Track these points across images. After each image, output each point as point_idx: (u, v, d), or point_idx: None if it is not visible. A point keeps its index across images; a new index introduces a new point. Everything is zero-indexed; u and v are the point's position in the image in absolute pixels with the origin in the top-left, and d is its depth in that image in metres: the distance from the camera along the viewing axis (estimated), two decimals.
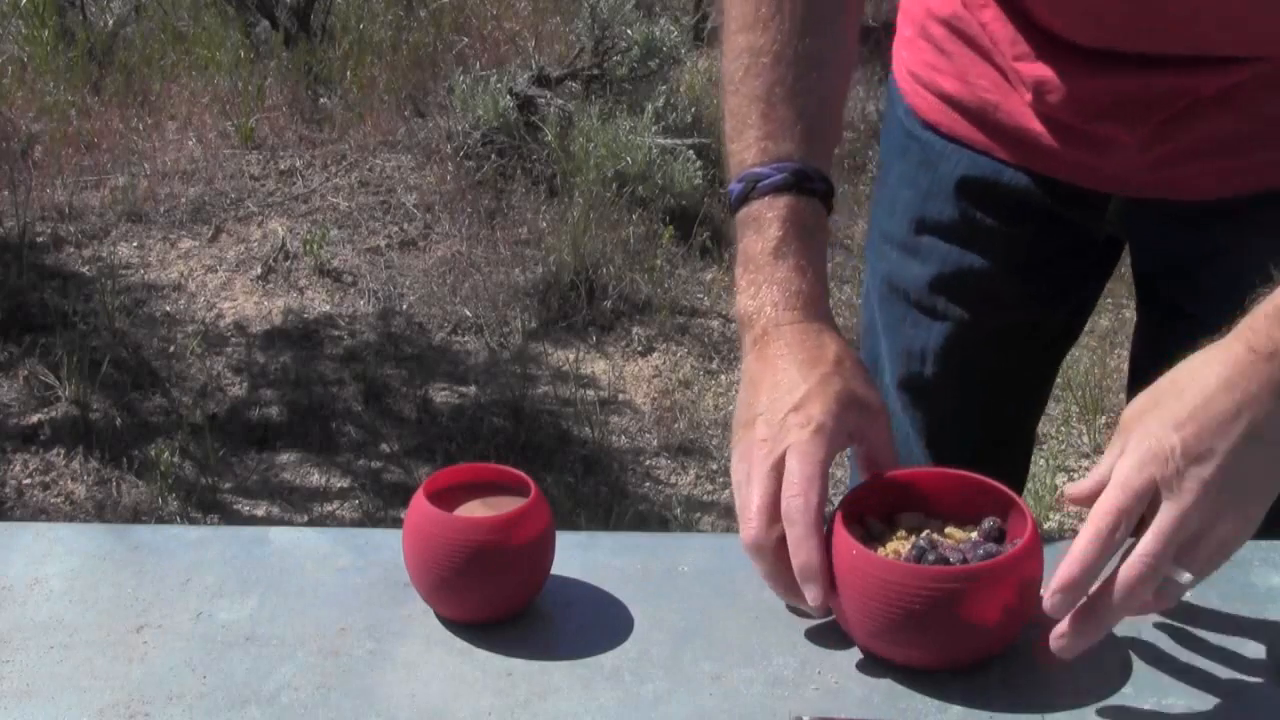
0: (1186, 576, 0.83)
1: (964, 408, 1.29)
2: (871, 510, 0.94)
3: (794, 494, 0.89)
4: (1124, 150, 1.11)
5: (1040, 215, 1.20)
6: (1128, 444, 0.85)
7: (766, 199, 1.00)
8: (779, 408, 0.93)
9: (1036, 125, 1.14)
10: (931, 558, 0.87)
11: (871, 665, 0.90)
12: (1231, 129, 1.08)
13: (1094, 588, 0.84)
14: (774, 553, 0.89)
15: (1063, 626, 0.84)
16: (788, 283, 0.98)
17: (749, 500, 0.90)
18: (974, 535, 0.91)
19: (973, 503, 0.93)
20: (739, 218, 1.02)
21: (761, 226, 1.00)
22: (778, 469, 0.91)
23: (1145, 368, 1.27)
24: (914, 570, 0.86)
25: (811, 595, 0.87)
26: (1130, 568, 0.82)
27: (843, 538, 0.88)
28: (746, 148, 1.02)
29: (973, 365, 1.27)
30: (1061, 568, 0.83)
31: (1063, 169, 1.16)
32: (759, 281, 0.99)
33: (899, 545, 0.91)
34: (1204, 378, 0.84)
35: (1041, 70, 1.10)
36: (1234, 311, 1.13)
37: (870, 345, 1.34)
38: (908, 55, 1.25)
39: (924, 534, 0.91)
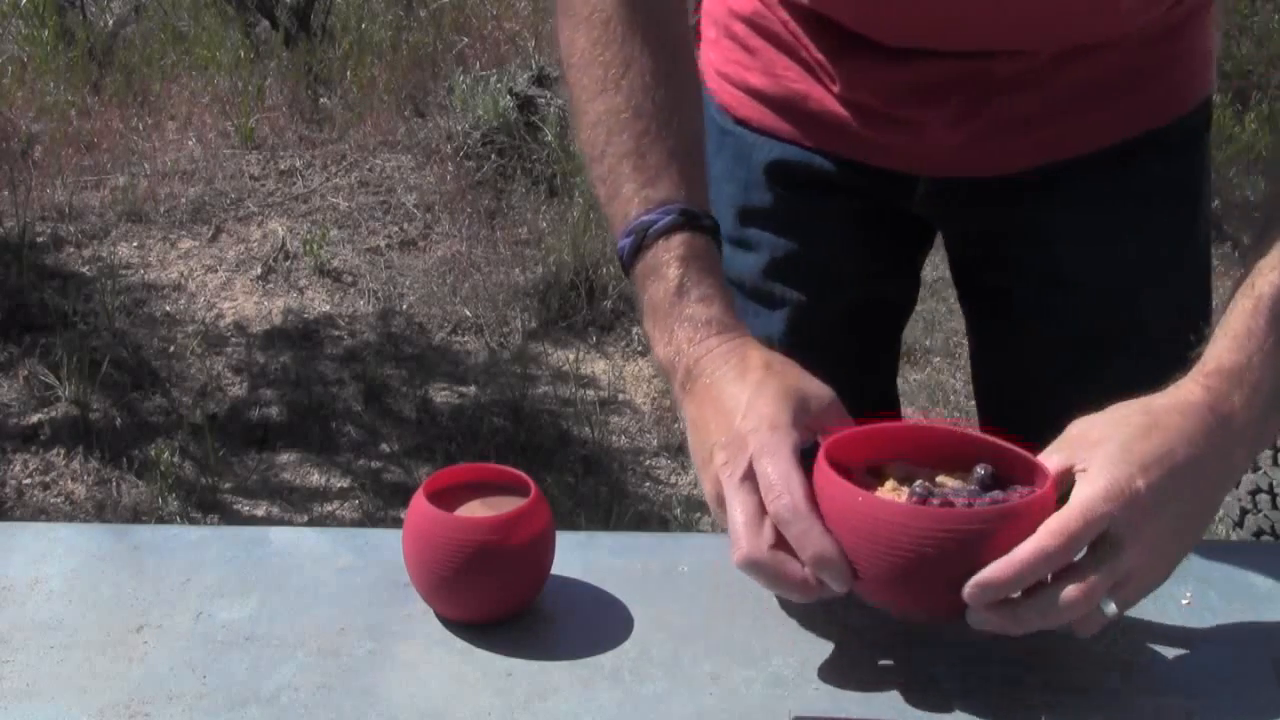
0: (1112, 609, 0.84)
1: None
2: (854, 463, 0.90)
3: (776, 495, 0.86)
4: (930, 131, 1.15)
5: (854, 197, 1.23)
6: (1091, 466, 0.85)
7: (660, 243, 0.99)
8: (728, 427, 0.90)
9: (844, 112, 1.17)
10: (937, 503, 0.84)
11: (871, 665, 0.90)
12: (1029, 105, 1.13)
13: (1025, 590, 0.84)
14: (772, 563, 0.86)
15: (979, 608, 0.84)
16: (695, 317, 0.97)
17: (733, 520, 0.87)
18: (970, 485, 0.88)
19: (960, 454, 0.90)
20: (636, 272, 1.01)
21: (660, 271, 0.99)
22: (749, 480, 0.88)
23: (983, 360, 1.32)
24: (935, 514, 0.82)
25: (838, 585, 0.84)
26: (1070, 595, 0.82)
27: (841, 484, 0.84)
28: (627, 202, 1.01)
29: (819, 347, 1.26)
30: (995, 565, 0.81)
31: (872, 153, 1.19)
32: (669, 326, 0.98)
33: (894, 495, 0.87)
34: (1168, 425, 0.86)
35: (842, 61, 1.15)
36: (1050, 285, 1.20)
37: None
38: (715, 56, 1.27)
39: (918, 482, 0.88)
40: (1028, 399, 1.24)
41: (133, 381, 3.06)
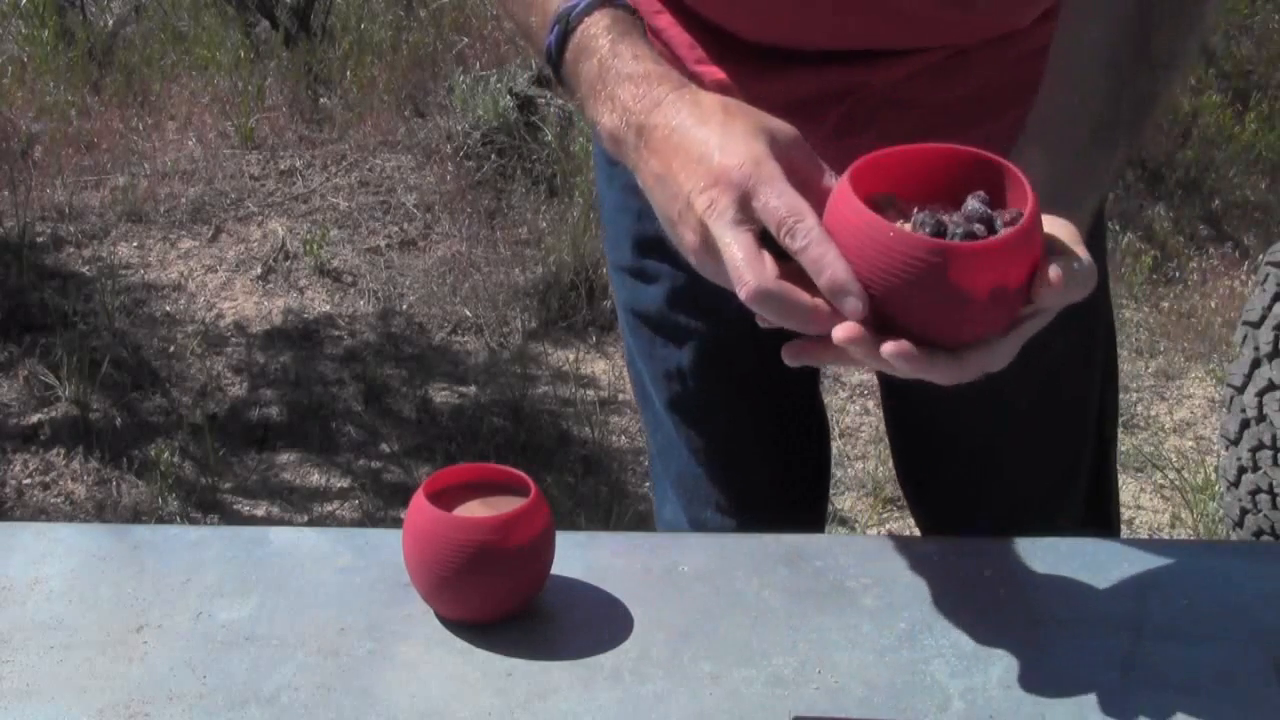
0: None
1: (737, 417, 1.29)
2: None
3: (791, 221, 0.82)
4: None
5: None
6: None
7: (586, 20, 0.95)
8: (705, 169, 0.85)
9: None
10: (960, 232, 0.81)
11: (872, 665, 0.90)
12: (908, 122, 1.09)
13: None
14: (782, 292, 0.82)
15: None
16: (634, 73, 0.92)
17: (732, 259, 0.83)
18: (967, 210, 0.84)
19: (949, 178, 0.87)
20: (567, 61, 0.96)
21: (591, 46, 0.94)
22: (741, 217, 0.84)
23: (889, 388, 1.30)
24: (976, 246, 0.80)
25: (852, 307, 0.81)
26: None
27: (869, 217, 0.81)
28: (544, 5, 0.98)
29: (732, 374, 1.26)
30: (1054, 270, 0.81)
31: None
32: (611, 93, 0.92)
33: (902, 224, 0.83)
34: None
35: (720, 73, 1.11)
36: None
37: (636, 375, 1.34)
38: None
39: (924, 212, 0.84)
40: (940, 441, 1.24)
41: (133, 381, 3.06)
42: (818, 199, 0.85)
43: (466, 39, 4.65)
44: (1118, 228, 3.81)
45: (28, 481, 2.77)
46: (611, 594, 0.97)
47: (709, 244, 0.85)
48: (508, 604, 0.94)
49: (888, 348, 0.80)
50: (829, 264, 0.81)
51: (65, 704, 0.87)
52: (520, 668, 0.90)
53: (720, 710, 0.86)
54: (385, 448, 2.93)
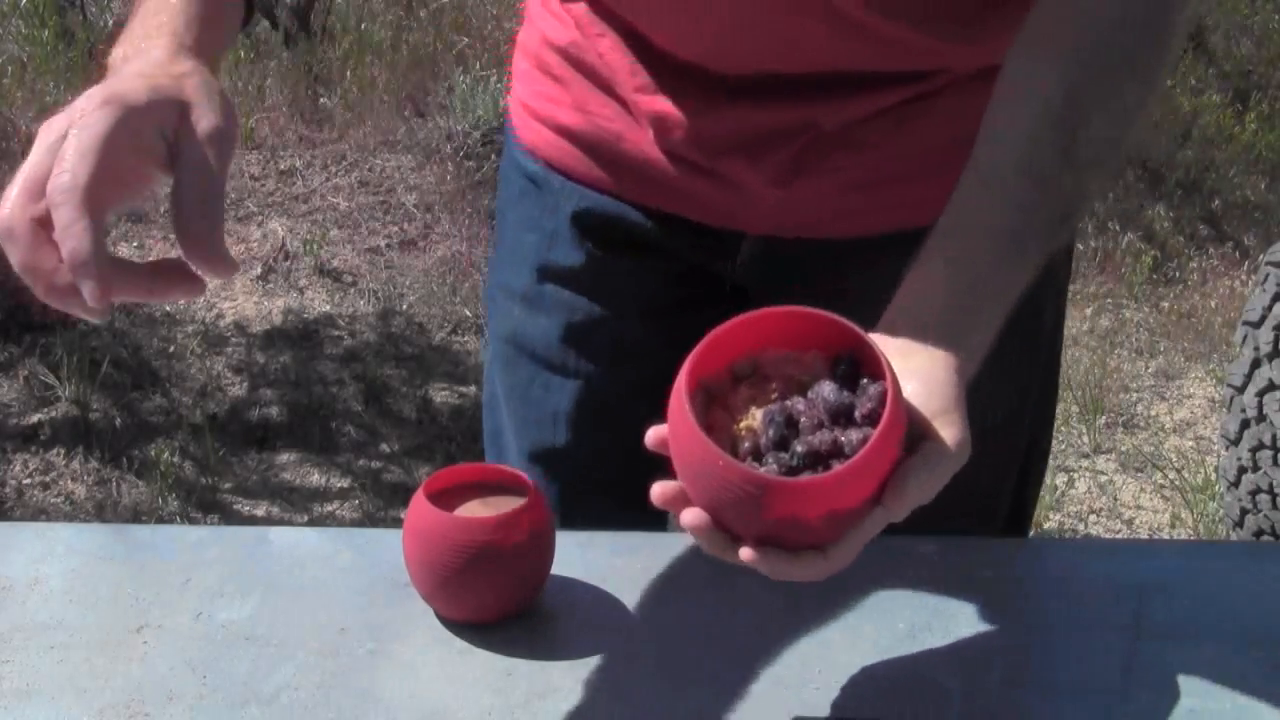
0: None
1: (604, 476, 1.17)
2: (707, 369, 0.82)
3: (61, 170, 0.73)
4: (751, 188, 1.06)
5: (669, 259, 1.13)
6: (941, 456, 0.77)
7: None
8: (83, 99, 0.77)
9: (662, 160, 1.08)
10: (801, 451, 0.75)
11: (872, 665, 0.90)
12: (862, 166, 1.05)
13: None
14: (28, 238, 0.75)
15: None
16: (159, 20, 0.83)
17: (12, 183, 0.75)
18: (830, 383, 0.78)
19: (812, 336, 0.81)
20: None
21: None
22: (54, 149, 0.75)
23: None
24: (819, 481, 0.74)
25: (89, 291, 0.75)
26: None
27: (705, 444, 0.76)
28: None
29: (610, 426, 1.15)
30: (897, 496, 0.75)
31: (691, 207, 1.10)
32: (130, 35, 0.84)
33: (750, 421, 0.79)
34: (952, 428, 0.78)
35: (662, 104, 1.06)
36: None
37: (492, 420, 1.25)
38: (522, 89, 1.17)
39: (773, 398, 0.79)
40: None
41: (133, 381, 3.06)
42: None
43: (466, 39, 4.65)
44: (1118, 228, 3.81)
45: (28, 481, 2.77)
46: (611, 594, 0.97)
47: None
48: (508, 604, 0.93)
49: (745, 554, 0.74)
50: (71, 236, 0.73)
51: (65, 704, 0.87)
52: (520, 668, 0.90)
53: (720, 710, 0.86)
54: (385, 448, 2.94)
